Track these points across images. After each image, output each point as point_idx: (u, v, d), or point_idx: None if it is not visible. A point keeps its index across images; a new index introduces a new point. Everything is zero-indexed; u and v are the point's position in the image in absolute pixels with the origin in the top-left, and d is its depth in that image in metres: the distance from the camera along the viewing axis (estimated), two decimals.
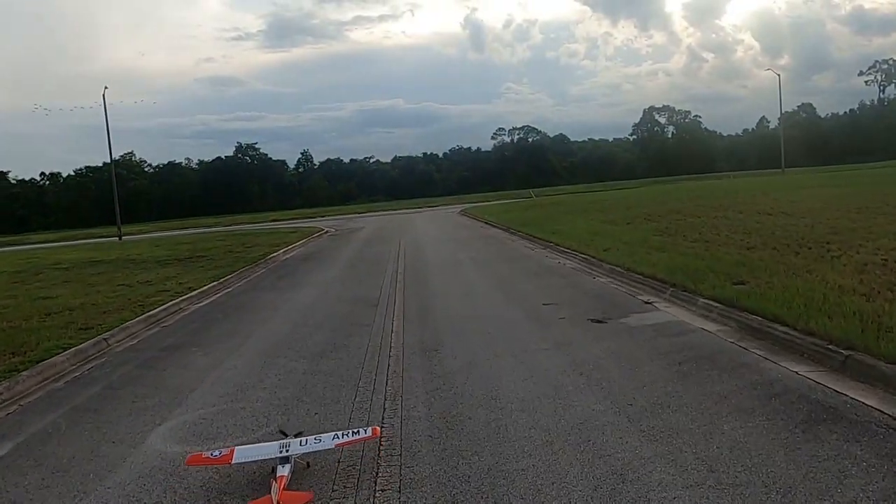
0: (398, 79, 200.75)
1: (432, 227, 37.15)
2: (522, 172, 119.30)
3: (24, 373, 8.72)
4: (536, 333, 9.01)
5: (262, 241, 31.89)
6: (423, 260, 19.76)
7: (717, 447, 4.93)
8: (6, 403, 7.65)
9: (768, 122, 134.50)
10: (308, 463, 5.06)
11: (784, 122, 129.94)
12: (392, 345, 8.88)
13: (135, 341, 10.79)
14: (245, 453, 5.00)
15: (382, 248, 25.07)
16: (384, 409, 6.29)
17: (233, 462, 4.94)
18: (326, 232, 39.81)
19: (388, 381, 7.16)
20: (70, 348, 10.01)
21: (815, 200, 25.20)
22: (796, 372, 6.54)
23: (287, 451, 4.88)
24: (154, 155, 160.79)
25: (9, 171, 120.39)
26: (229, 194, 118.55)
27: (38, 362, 9.22)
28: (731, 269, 11.91)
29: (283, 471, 4.69)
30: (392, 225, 42.48)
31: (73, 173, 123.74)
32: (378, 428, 5.45)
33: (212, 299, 14.97)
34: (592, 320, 9.56)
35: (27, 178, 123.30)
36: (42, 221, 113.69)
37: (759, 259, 12.64)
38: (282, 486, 4.49)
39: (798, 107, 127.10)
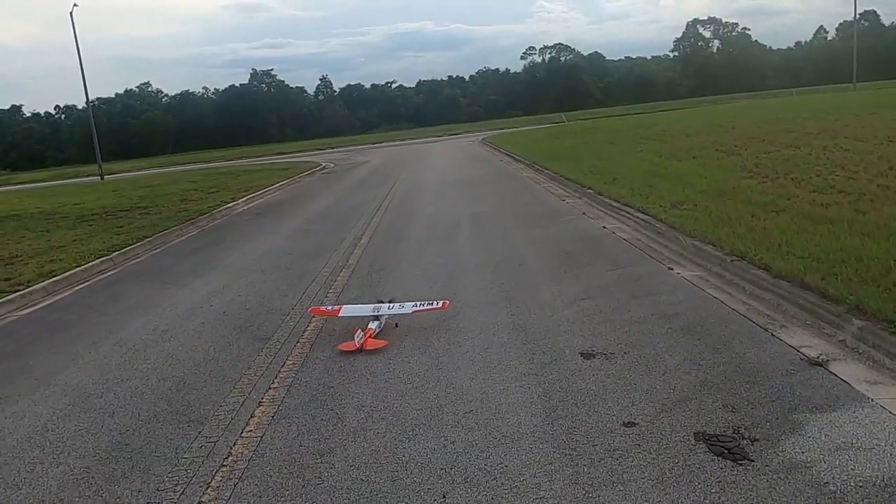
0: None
1: (444, 161, 31.04)
2: (555, 95, 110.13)
3: None
4: None
5: (235, 184, 26.36)
6: (407, 218, 13.97)
7: None
8: None
9: (826, 32, 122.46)
10: (397, 323, 6.37)
11: (843, 31, 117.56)
12: None
13: None
14: (349, 310, 6.61)
15: (368, 194, 19.27)
16: None
17: (340, 315, 6.58)
18: (323, 169, 34.09)
19: None
20: None
21: None
22: None
23: (378, 312, 6.35)
24: (183, 86, 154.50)
25: (22, 105, 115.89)
26: (246, 124, 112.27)
27: None
28: None
29: (373, 325, 6.13)
30: (400, 158, 36.44)
31: (84, 105, 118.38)
32: (447, 301, 6.56)
33: (45, 303, 9.46)
34: (707, 441, 3.81)
35: (42, 112, 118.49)
36: (57, 157, 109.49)
37: None
38: (367, 336, 5.94)
39: (860, 15, 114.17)
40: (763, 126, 23.66)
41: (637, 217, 10.98)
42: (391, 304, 6.50)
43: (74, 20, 43.40)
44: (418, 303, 6.51)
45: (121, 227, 16.19)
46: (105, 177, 45.68)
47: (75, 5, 43.76)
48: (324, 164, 37.51)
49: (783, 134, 19.94)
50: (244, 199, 21.04)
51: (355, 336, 5.87)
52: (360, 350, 5.77)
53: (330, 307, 6.90)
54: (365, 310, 6.50)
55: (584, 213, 12.29)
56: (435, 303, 6.47)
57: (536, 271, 8.26)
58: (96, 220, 17.92)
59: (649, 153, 19.87)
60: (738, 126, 25.13)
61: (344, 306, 6.77)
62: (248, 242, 12.79)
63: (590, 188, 14.71)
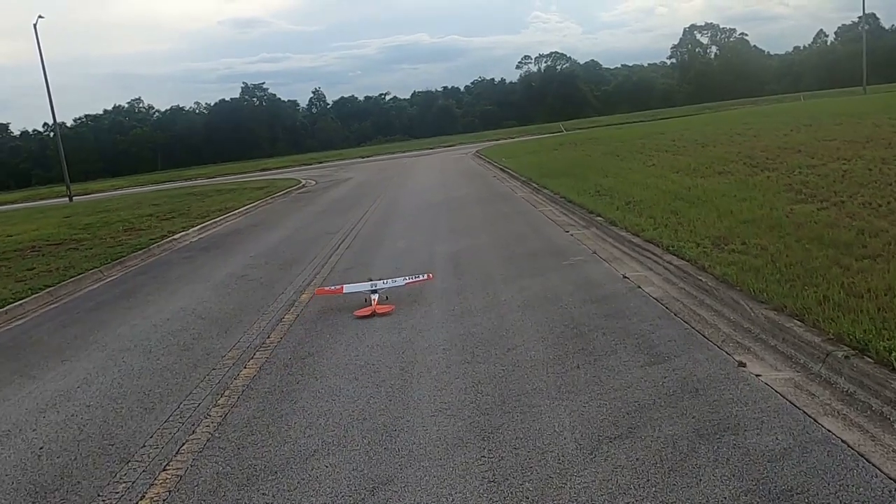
0: (422, 11, 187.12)
1: (431, 177, 28.31)
2: (551, 104, 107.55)
3: None
4: None
5: (198, 208, 23.59)
6: (370, 259, 11.11)
7: None
8: None
9: (826, 36, 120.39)
10: (387, 296, 7.71)
11: (843, 35, 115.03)
12: None
13: None
14: (350, 288, 8.05)
15: (336, 221, 16.48)
16: None
17: (343, 293, 8.01)
18: (301, 187, 31.38)
19: None
20: None
21: None
22: None
23: (375, 286, 7.82)
24: (177, 102, 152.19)
25: (9, 123, 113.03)
26: (237, 139, 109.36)
27: None
28: None
29: (374, 297, 7.61)
30: (386, 174, 33.74)
31: (73, 122, 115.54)
32: (431, 274, 8.35)
33: None
34: None
35: (31, 130, 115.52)
36: (43, 176, 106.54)
37: None
38: (374, 304, 7.46)
39: (859, 18, 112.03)
40: (790, 134, 20.89)
41: (667, 262, 8.16)
42: (385, 280, 8.10)
43: (38, 33, 41.02)
44: (407, 277, 8.23)
45: (32, 269, 13.40)
46: (75, 198, 43.12)
47: (40, 17, 41.48)
48: (304, 181, 34.81)
49: (821, 143, 17.17)
50: (198, 227, 18.24)
51: (371, 302, 7.51)
52: (374, 314, 7.27)
53: (333, 287, 8.43)
54: (363, 286, 7.95)
55: (594, 253, 9.47)
56: (421, 276, 8.24)
57: (532, 365, 5.43)
58: (12, 259, 15.10)
59: (663, 168, 17.09)
60: (759, 134, 22.36)
61: (345, 286, 8.17)
62: (161, 297, 9.93)
63: (598, 215, 11.92)
